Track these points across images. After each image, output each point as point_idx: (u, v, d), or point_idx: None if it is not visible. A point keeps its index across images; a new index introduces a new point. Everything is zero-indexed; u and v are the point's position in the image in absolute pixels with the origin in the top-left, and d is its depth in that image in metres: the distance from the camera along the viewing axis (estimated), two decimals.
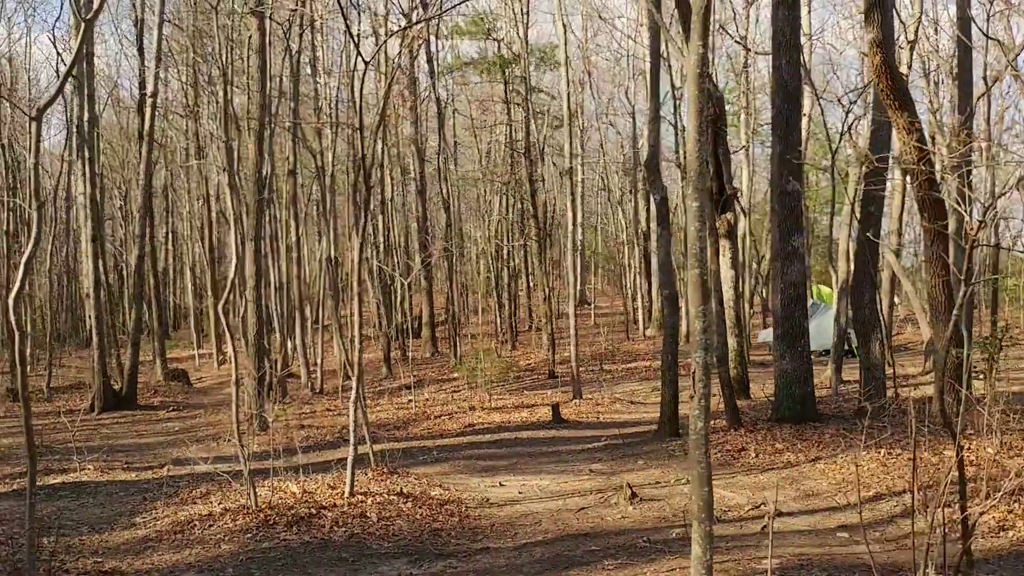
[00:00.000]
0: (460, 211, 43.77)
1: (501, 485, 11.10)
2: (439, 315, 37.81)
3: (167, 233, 44.10)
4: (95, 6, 6.32)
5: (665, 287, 14.00)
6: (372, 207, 28.97)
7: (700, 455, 5.37)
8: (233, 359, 10.12)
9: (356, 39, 10.17)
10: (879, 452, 10.61)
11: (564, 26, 19.22)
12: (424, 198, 33.63)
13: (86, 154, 21.58)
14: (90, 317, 23.96)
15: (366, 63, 8.35)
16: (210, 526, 8.95)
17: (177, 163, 40.84)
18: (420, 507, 9.53)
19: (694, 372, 5.37)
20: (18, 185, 36.27)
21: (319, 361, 25.71)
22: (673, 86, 28.28)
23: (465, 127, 41.54)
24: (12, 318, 5.66)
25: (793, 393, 13.49)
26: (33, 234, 5.63)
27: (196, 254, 44.87)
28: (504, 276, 37.65)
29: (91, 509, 10.58)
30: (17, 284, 5.67)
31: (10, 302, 5.61)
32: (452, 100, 38.01)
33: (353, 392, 10.28)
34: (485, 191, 39.46)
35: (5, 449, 16.23)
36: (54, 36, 44.09)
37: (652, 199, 14.30)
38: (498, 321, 36.09)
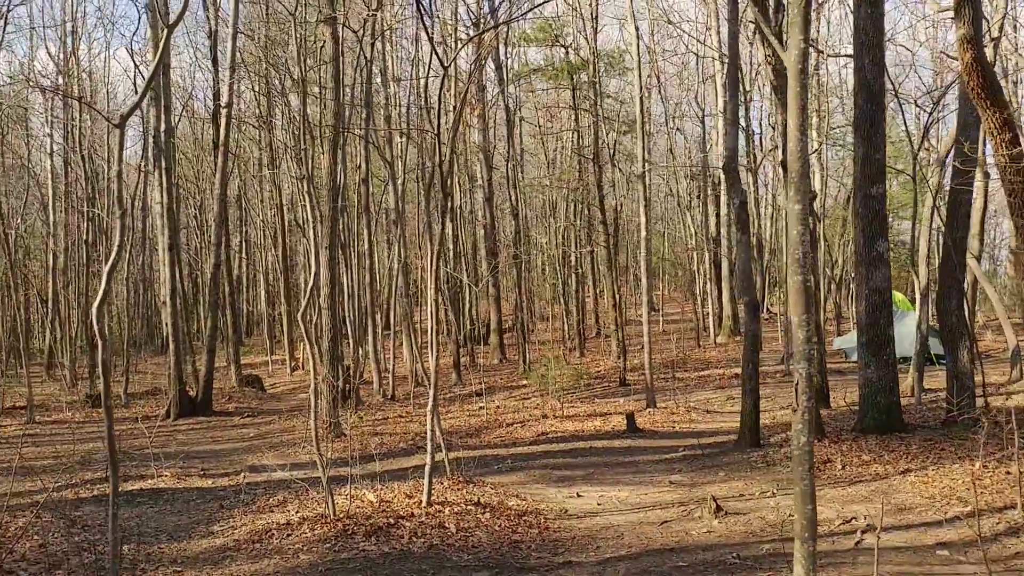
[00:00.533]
0: (527, 218, 43.65)
1: (579, 496, 10.88)
2: (505, 322, 37.72)
3: (240, 241, 44.70)
4: (176, 13, 6.28)
5: (745, 293, 13.63)
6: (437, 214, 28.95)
7: (803, 472, 5.10)
8: (312, 367, 10.05)
9: (434, 43, 10.08)
10: (974, 465, 10.15)
11: (636, 27, 18.94)
12: (492, 205, 33.55)
13: (163, 164, 21.93)
14: (166, 324, 24.33)
15: (445, 67, 8.23)
16: (288, 535, 8.88)
17: (250, 173, 41.43)
18: (498, 518, 9.35)
19: (797, 384, 5.11)
20: (96, 196, 37.09)
21: (391, 367, 25.75)
22: (744, 89, 27.80)
23: (530, 134, 41.46)
24: (96, 327, 5.62)
25: (878, 403, 13.02)
26: (116, 242, 5.59)
27: (268, 262, 45.51)
28: (572, 282, 37.39)
29: (169, 517, 10.62)
30: (101, 292, 5.63)
31: (94, 311, 5.58)
32: (519, 107, 37.95)
33: (430, 400, 10.16)
34: (551, 197, 39.29)
35: (85, 455, 16.49)
36: (132, 49, 45.09)
37: (731, 203, 13.94)
38: (565, 328, 35.82)
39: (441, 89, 8.99)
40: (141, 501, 11.65)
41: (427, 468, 9.72)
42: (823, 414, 14.69)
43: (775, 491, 10.27)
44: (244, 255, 48.53)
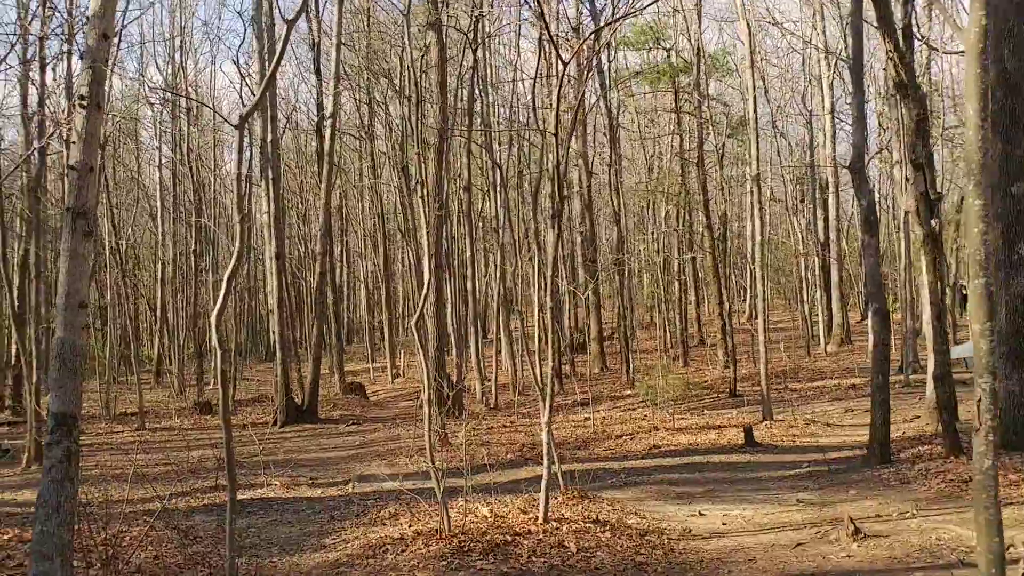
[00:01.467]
0: (627, 224, 43.04)
1: (701, 514, 10.33)
2: (605, 329, 37.15)
3: (342, 251, 45.23)
4: (279, 31, 6.06)
5: (874, 300, 12.89)
6: (544, 220, 28.62)
7: (988, 500, 4.52)
8: (425, 377, 9.77)
9: (554, 40, 9.74)
10: None
11: (748, 24, 18.29)
12: (591, 211, 33.10)
13: (270, 174, 22.13)
14: (273, 332, 24.57)
15: (565, 63, 7.86)
16: (402, 551, 8.59)
17: (351, 183, 41.87)
18: (619, 537, 8.89)
19: (978, 401, 4.54)
20: (203, 207, 37.93)
21: (492, 376, 25.50)
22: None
23: (628, 139, 40.89)
24: (215, 335, 5.40)
25: (1021, 417, 12.12)
26: (236, 248, 5.36)
27: (368, 270, 45.96)
28: (674, 289, 36.62)
29: (280, 528, 10.48)
30: (220, 300, 5.41)
31: (213, 319, 5.37)
32: (619, 112, 37.44)
33: (545, 412, 9.77)
34: (651, 203, 38.63)
35: (195, 463, 16.61)
36: (238, 61, 46.22)
37: (858, 204, 13.21)
38: (666, 336, 35.06)
39: (560, 87, 8.60)
40: (252, 511, 11.56)
41: (544, 483, 9.32)
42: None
43: (914, 512, 9.57)
44: (345, 264, 49.15)
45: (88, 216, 6.65)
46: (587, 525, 9.21)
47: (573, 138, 33.23)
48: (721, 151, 32.34)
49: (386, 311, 36.53)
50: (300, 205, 43.73)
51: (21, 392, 27.02)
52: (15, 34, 22.46)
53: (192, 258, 35.58)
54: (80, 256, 6.61)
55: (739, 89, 39.67)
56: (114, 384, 28.07)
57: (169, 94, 34.66)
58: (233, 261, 5.33)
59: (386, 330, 36.10)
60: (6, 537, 9.73)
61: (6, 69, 28.29)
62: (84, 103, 6.64)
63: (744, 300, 48.26)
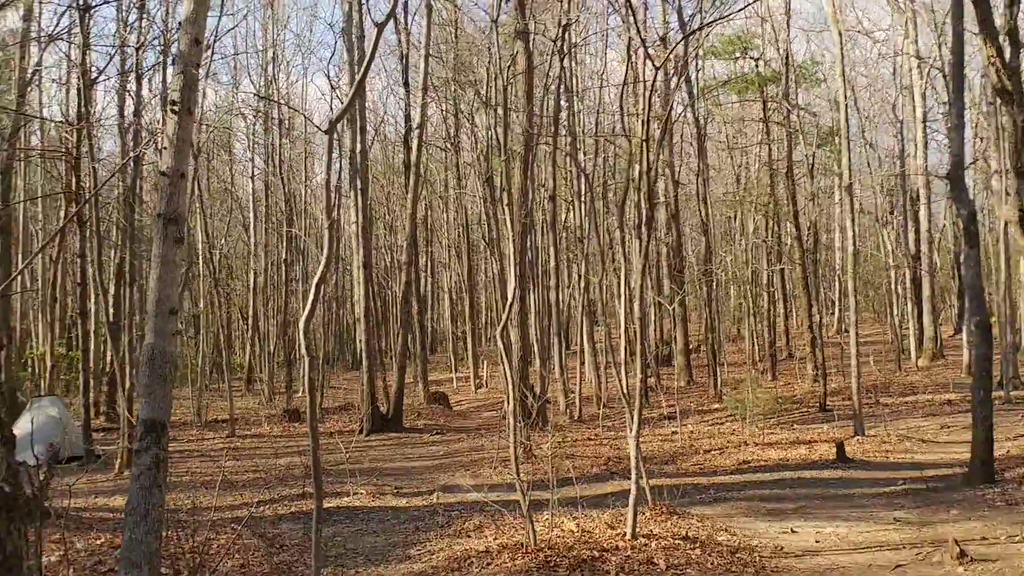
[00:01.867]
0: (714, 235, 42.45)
1: (793, 532, 10.01)
2: (691, 342, 36.60)
3: (426, 261, 45.62)
4: (385, 13, 6.05)
5: (976, 313, 12.37)
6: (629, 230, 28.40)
7: None
8: (509, 388, 9.69)
9: (646, 46, 9.61)
10: None
11: (840, 33, 17.81)
12: (678, 222, 32.71)
13: (358, 184, 22.36)
14: (360, 341, 24.81)
15: (656, 68, 7.72)
16: (488, 564, 8.49)
17: (436, 193, 42.19)
18: (710, 554, 8.64)
19: None
20: (294, 216, 38.60)
21: (577, 388, 25.30)
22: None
23: (715, 149, 40.33)
24: (304, 342, 5.39)
25: None
26: (325, 253, 5.35)
27: (452, 280, 46.20)
28: (763, 301, 35.89)
29: (366, 537, 10.49)
30: (309, 307, 5.40)
31: (301, 325, 5.37)
32: (707, 121, 36.95)
33: (633, 425, 9.59)
34: (738, 214, 37.99)
35: (283, 470, 16.84)
36: (328, 73, 47.20)
37: (958, 215, 12.71)
38: (753, 349, 34.36)
39: (650, 92, 8.43)
40: (337, 519, 11.62)
41: (632, 498, 9.13)
42: None
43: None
44: (429, 274, 49.53)
45: (179, 222, 6.69)
46: (676, 542, 8.99)
47: (661, 147, 32.97)
48: (811, 161, 31.60)
49: (469, 321, 36.65)
50: (387, 215, 44.24)
51: (115, 398, 27.83)
52: (113, 46, 23.16)
53: (283, 268, 36.27)
54: (171, 262, 6.64)
55: (828, 99, 38.83)
56: (206, 391, 28.63)
57: (262, 105, 35.45)
58: (322, 267, 5.31)
59: (469, 340, 36.22)
60: (98, 542, 9.91)
61: (105, 80, 29.23)
62: (175, 108, 6.69)
63: (832, 313, 47.11)
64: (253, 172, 40.83)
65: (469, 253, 36.24)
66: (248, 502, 12.96)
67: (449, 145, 36.58)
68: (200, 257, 32.73)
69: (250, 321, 38.80)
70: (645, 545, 8.77)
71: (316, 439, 5.39)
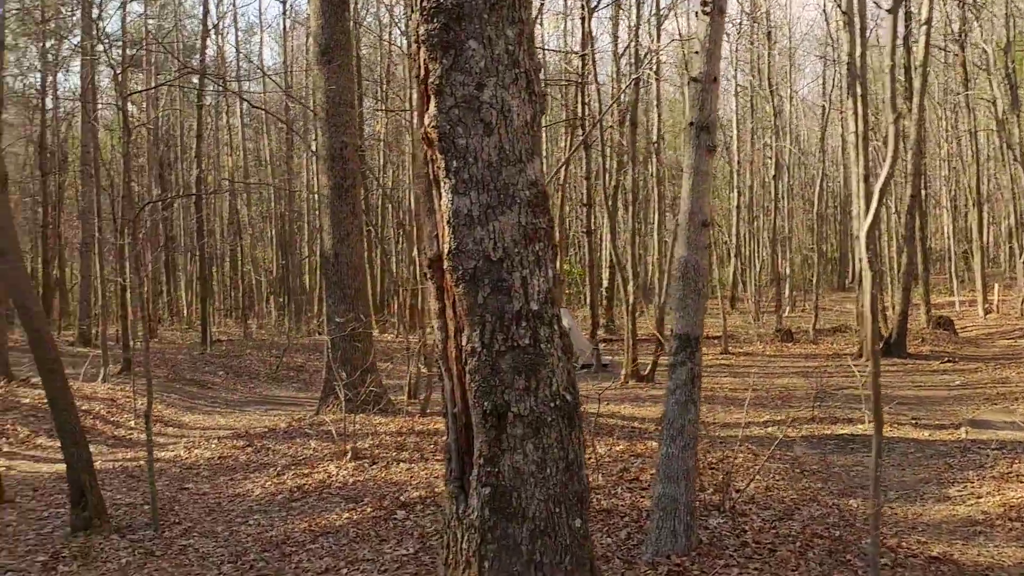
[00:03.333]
0: None
1: None
2: None
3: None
4: None
5: None
6: None
7: None
8: None
9: None
10: None
11: None
12: None
13: (857, 91, 20.65)
14: (858, 260, 23.29)
15: None
16: None
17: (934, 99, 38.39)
18: None
19: None
20: (777, 131, 37.31)
21: None
22: None
23: None
24: (865, 254, 4.73)
25: None
26: (889, 153, 4.59)
27: (950, 192, 41.97)
28: None
29: (890, 470, 9.61)
30: (871, 215, 4.70)
31: (862, 235, 4.70)
32: None
33: None
34: None
35: (781, 389, 16.36)
36: None
37: None
38: None
39: None
40: (854, 448, 10.87)
41: None
42: None
43: None
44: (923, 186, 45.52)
45: (711, 130, 6.37)
46: None
47: None
48: None
49: (977, 237, 33.04)
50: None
51: (612, 313, 29.31)
52: None
53: (773, 184, 35.63)
54: (703, 172, 6.39)
55: None
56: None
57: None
58: (886, 167, 4.56)
59: (977, 259, 32.60)
60: (618, 449, 10.19)
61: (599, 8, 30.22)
62: (707, 9, 6.34)
63: None
64: (736, 89, 40.06)
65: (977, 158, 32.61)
66: (753, 421, 12.66)
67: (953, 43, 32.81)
68: None
69: (734, 240, 38.37)
70: None
71: (877, 363, 4.74)
